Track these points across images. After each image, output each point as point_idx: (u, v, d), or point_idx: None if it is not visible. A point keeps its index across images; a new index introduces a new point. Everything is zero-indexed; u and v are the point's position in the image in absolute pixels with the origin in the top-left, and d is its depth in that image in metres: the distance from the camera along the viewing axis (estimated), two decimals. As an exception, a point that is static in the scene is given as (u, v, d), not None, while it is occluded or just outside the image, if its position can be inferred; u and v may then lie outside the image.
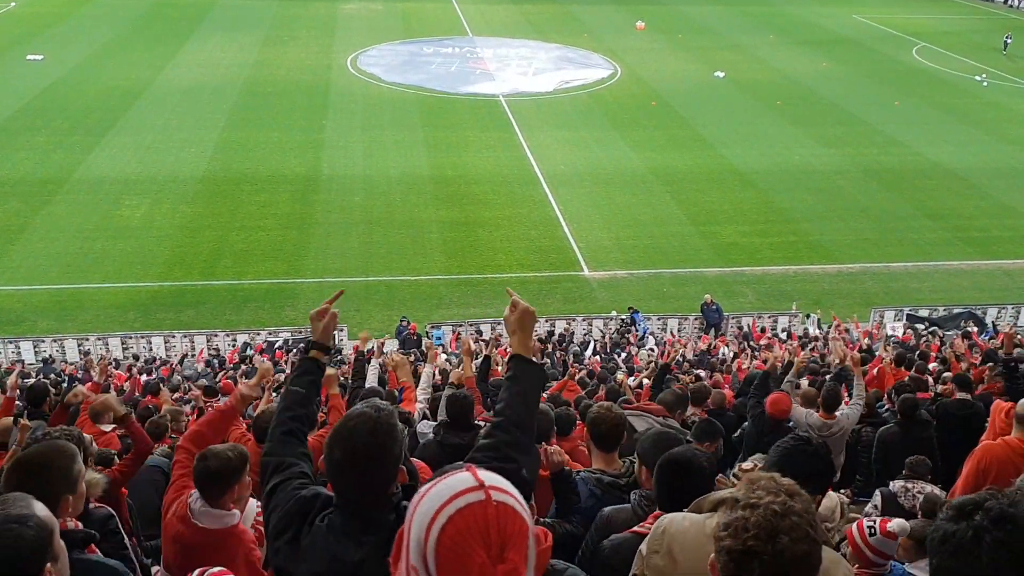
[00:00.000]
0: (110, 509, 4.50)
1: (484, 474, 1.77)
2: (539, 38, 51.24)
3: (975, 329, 21.47)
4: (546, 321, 22.24)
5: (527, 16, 56.34)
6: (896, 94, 42.14)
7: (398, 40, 49.17)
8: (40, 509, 2.51)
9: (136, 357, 19.88)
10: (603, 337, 21.49)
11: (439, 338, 21.31)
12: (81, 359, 19.40)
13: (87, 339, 20.71)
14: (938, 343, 19.41)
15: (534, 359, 2.94)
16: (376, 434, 2.58)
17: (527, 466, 2.84)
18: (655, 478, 3.59)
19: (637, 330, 21.72)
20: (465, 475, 1.76)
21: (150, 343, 21.02)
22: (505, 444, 2.77)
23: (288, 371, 13.47)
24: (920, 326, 22.12)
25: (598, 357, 18.93)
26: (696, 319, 22.87)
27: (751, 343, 20.47)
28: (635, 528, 3.46)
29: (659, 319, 22.89)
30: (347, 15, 54.02)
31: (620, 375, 12.78)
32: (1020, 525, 1.80)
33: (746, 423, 8.64)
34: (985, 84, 44.31)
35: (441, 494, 1.71)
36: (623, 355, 19.48)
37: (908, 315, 22.87)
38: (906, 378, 10.64)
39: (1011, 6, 66.89)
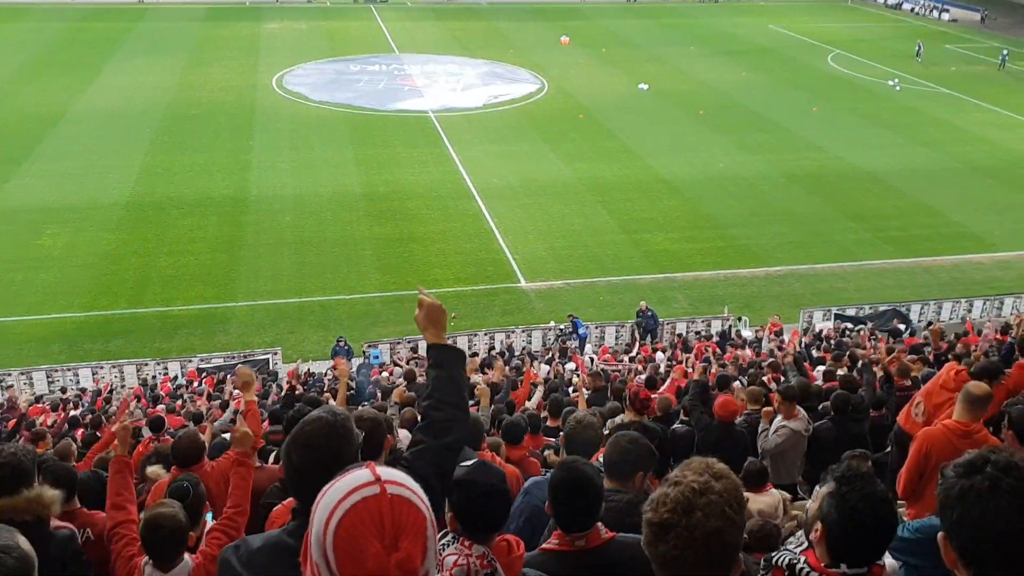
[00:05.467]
0: (73, 528, 4.24)
1: (382, 470, 1.84)
2: (466, 54, 51.44)
3: (902, 326, 22.15)
4: (485, 335, 22.27)
5: (453, 33, 56.52)
6: (814, 100, 43.44)
7: (324, 59, 48.80)
8: (23, 543, 2.49)
9: (64, 390, 19.24)
10: (550, 347, 21.59)
11: (376, 356, 21.13)
12: (2, 393, 18.68)
13: (9, 373, 19.96)
14: (867, 334, 19.96)
15: (450, 344, 3.19)
16: (332, 437, 2.61)
17: (464, 440, 3.16)
18: (549, 498, 3.41)
19: (577, 336, 21.84)
20: (363, 471, 1.83)
21: (77, 375, 20.33)
22: (442, 421, 3.04)
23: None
24: (848, 325, 22.71)
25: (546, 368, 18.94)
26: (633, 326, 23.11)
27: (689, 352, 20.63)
28: (543, 545, 3.43)
29: (597, 327, 23.09)
30: (271, 34, 53.43)
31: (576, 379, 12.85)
32: None
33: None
34: (898, 89, 45.96)
35: (339, 491, 1.79)
36: (567, 364, 19.51)
37: (836, 315, 23.49)
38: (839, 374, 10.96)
39: (917, 14, 69.64)
